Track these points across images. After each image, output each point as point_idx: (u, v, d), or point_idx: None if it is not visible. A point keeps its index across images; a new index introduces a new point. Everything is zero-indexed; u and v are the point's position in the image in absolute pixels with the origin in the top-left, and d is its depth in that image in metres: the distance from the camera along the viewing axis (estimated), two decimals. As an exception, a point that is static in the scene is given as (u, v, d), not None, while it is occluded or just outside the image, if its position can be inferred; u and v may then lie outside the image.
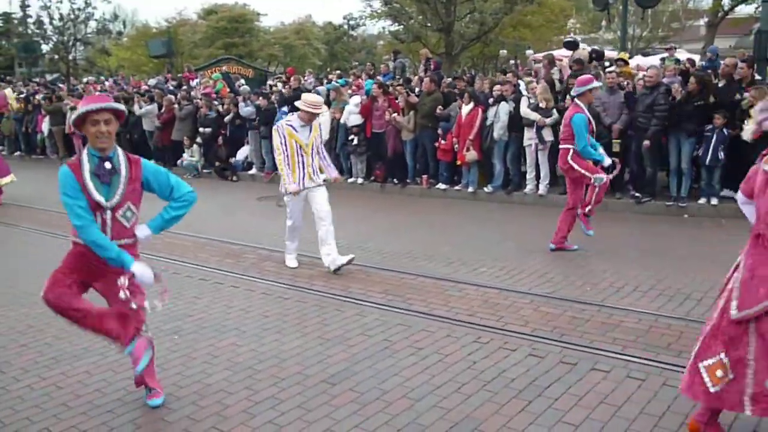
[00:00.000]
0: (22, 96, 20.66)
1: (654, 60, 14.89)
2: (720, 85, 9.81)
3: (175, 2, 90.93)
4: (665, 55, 13.92)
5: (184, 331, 5.41)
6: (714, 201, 9.50)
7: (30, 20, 34.71)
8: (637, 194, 10.01)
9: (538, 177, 10.90)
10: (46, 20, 32.35)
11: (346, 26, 44.03)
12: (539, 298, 6.02)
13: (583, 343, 4.90)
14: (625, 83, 10.45)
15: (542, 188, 10.83)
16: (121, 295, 3.67)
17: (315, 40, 42.66)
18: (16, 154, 20.65)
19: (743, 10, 24.38)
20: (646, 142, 9.59)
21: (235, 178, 14.68)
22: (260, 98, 14.19)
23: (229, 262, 7.58)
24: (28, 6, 35.16)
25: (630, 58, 14.76)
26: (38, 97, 20.01)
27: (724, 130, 9.15)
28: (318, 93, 13.73)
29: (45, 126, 19.06)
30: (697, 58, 14.75)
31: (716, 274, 6.52)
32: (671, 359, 4.58)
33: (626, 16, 14.06)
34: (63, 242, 8.82)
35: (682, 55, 15.64)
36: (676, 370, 4.40)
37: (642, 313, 5.54)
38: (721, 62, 11.19)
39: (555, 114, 10.45)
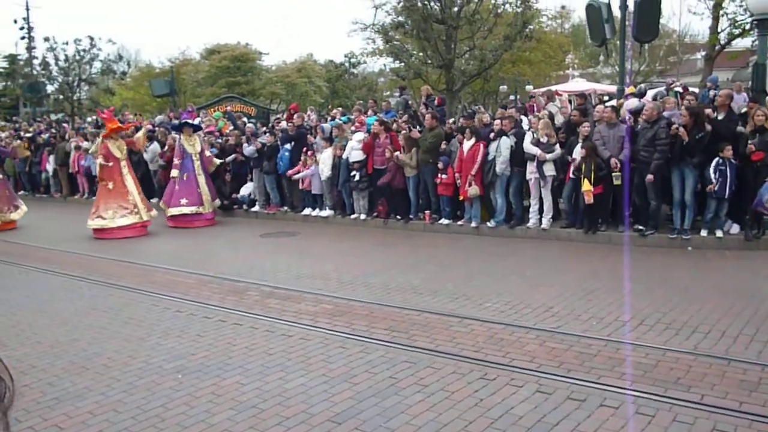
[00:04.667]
0: (27, 135, 20.86)
1: (651, 93, 15.00)
2: (720, 117, 9.85)
3: (178, 42, 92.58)
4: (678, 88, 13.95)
5: (188, 370, 5.36)
6: (719, 233, 9.48)
7: (36, 61, 35.22)
8: (640, 227, 10.00)
9: (541, 211, 10.90)
10: (51, 61, 32.81)
11: (347, 64, 44.58)
12: (545, 333, 5.97)
13: (590, 379, 4.84)
14: (628, 117, 10.50)
15: (545, 222, 10.82)
16: None
17: (316, 77, 43.06)
18: (20, 193, 20.77)
19: (740, 43, 24.64)
20: (650, 176, 9.60)
21: (245, 207, 14.82)
22: (266, 135, 14.36)
23: (232, 300, 7.55)
24: (34, 48, 35.70)
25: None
26: (43, 136, 20.21)
27: (732, 161, 9.20)
28: (322, 130, 13.87)
29: (49, 165, 19.21)
30: (696, 90, 14.83)
31: (723, 305, 6.52)
32: (681, 394, 4.52)
33: (624, 51, 14.19)
34: (63, 280, 8.85)
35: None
36: (686, 405, 4.35)
37: (649, 347, 5.49)
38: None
39: (557, 149, 10.51)
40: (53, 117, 31.11)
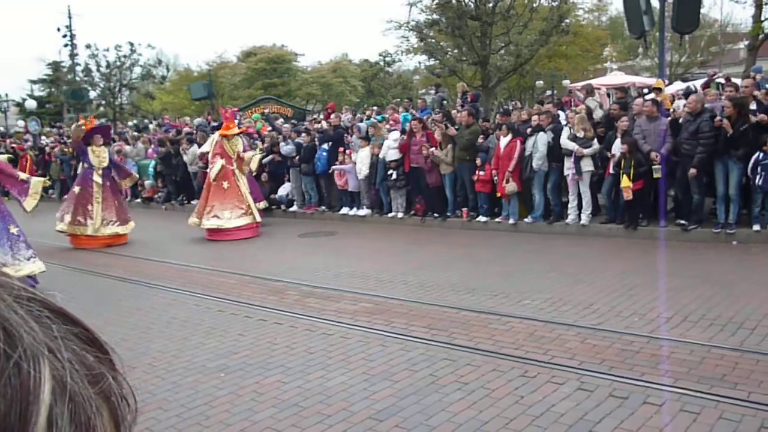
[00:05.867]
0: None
1: (696, 84, 14.70)
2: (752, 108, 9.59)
3: (215, 46, 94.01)
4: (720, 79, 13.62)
5: (230, 369, 5.45)
6: (772, 226, 9.20)
7: (78, 68, 36.13)
8: (683, 221, 9.81)
9: (580, 207, 10.78)
10: (93, 68, 33.62)
11: (382, 63, 44.60)
12: (586, 330, 5.91)
13: (633, 376, 4.78)
14: (670, 110, 10.30)
15: (584, 218, 10.69)
16: None
17: (352, 77, 43.20)
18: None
19: (784, 31, 23.95)
20: (693, 170, 9.40)
21: (283, 207, 14.96)
22: (302, 135, 14.45)
23: (272, 299, 7.65)
24: (77, 55, 36.62)
25: (669, 84, 14.61)
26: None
27: (768, 153, 8.97)
28: (359, 129, 13.94)
29: (93, 169, 19.62)
30: (738, 81, 14.46)
31: (770, 302, 6.37)
32: (726, 391, 4.44)
33: (663, 42, 13.92)
34: (107, 282, 9.07)
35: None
36: (732, 403, 4.27)
37: (693, 343, 5.39)
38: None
39: (596, 144, 10.38)
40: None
